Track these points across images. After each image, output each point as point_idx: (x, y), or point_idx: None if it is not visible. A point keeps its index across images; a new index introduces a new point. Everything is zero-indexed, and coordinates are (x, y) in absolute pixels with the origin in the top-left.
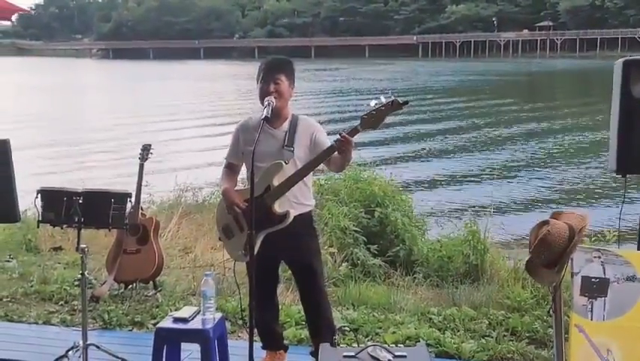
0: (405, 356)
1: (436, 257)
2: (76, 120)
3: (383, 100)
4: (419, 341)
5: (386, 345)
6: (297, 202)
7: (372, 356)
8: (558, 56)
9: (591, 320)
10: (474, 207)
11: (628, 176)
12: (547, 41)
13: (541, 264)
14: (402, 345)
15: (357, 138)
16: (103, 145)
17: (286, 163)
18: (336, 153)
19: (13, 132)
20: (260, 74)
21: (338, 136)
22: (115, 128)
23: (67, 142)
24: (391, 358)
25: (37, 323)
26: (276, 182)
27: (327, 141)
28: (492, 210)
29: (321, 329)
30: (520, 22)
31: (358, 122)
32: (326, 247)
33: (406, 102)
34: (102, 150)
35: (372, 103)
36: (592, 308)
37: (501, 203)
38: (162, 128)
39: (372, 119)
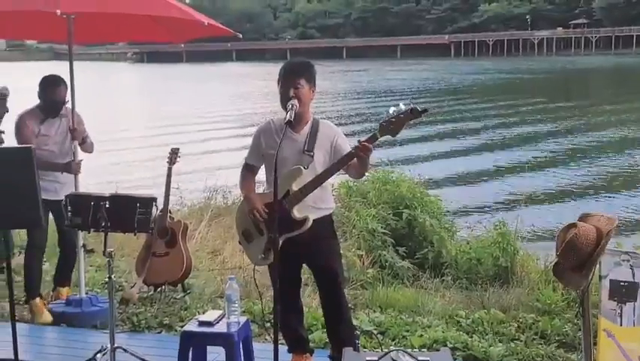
0: None
1: (464, 259)
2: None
3: (402, 107)
4: (446, 345)
5: (409, 350)
6: (316, 207)
7: None
8: (593, 54)
9: (620, 325)
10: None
11: None
12: (582, 39)
13: (568, 267)
14: (426, 349)
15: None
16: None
17: (305, 168)
18: (354, 159)
19: None
20: (280, 78)
21: (357, 143)
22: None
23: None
24: None
25: (67, 326)
26: (295, 187)
27: (347, 147)
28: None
29: (341, 331)
30: (554, 20)
31: (377, 128)
32: (354, 250)
33: (425, 110)
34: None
35: (391, 110)
36: (621, 313)
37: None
38: (196, 130)
39: (391, 127)
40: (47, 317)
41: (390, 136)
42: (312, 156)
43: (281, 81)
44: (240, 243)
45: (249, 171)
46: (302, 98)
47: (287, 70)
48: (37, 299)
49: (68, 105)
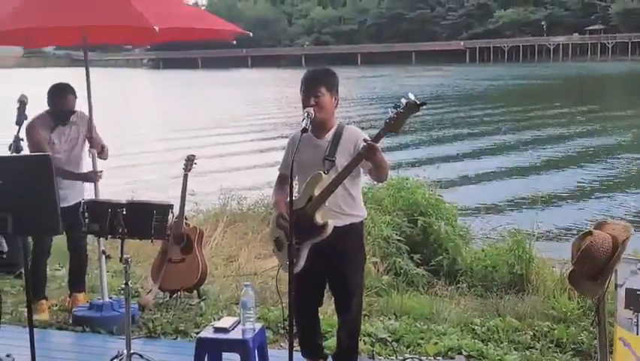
0: None
1: (480, 267)
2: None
3: (403, 102)
4: (461, 353)
5: (424, 358)
6: (340, 212)
7: None
8: (609, 60)
9: (637, 334)
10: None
11: None
12: (598, 45)
13: (584, 276)
14: (441, 357)
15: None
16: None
17: (326, 173)
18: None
19: None
20: (302, 86)
21: (363, 143)
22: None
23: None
24: None
25: (83, 331)
26: (316, 192)
27: None
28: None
29: (343, 342)
30: (570, 26)
31: (382, 127)
32: (369, 257)
33: (423, 103)
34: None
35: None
36: (637, 322)
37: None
38: (211, 142)
39: (393, 123)
40: (45, 316)
41: (393, 132)
42: (334, 162)
43: (302, 89)
44: (273, 251)
45: (281, 180)
46: (323, 106)
47: (308, 79)
48: (44, 301)
49: (86, 112)
